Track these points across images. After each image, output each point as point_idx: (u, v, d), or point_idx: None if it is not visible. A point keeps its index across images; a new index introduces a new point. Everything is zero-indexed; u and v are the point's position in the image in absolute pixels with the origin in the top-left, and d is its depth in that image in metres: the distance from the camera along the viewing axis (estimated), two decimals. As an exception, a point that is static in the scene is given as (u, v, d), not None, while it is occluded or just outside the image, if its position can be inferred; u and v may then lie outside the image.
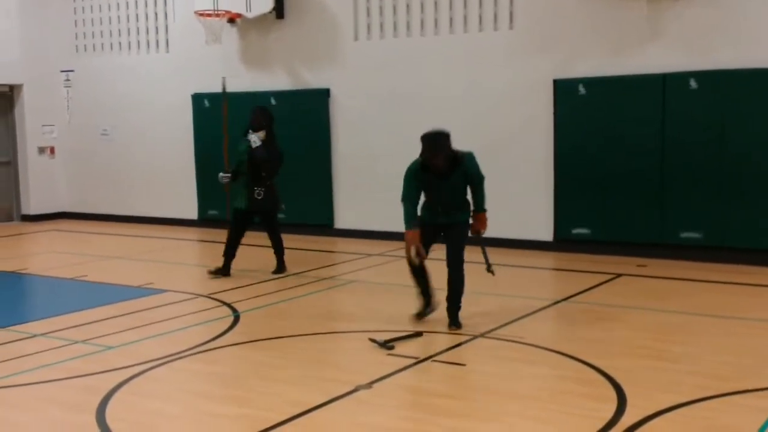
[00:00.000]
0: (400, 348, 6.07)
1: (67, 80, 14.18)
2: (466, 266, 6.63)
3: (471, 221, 6.69)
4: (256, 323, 7.00)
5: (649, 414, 4.65)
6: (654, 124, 9.41)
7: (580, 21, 9.84)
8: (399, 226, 6.62)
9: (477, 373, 5.63)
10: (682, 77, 9.23)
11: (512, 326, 6.67)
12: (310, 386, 5.30)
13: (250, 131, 8.72)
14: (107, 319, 7.18)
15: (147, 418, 4.85)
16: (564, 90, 9.94)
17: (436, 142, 6.38)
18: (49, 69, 14.07)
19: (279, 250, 9.01)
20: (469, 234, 6.68)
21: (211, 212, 12.67)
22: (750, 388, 5.11)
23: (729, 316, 6.97)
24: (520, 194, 10.31)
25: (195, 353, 6.10)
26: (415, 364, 5.72)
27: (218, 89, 11.87)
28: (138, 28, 13.37)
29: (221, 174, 9.14)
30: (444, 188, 6.48)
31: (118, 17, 13.57)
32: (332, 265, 9.96)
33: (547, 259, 9.89)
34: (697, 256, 9.25)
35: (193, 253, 11.26)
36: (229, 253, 8.86)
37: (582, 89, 9.82)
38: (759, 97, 8.89)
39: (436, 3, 10.74)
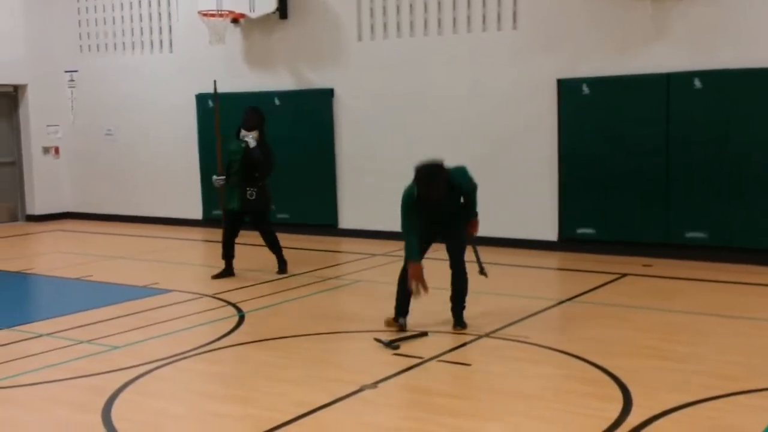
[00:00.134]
0: (405, 348, 6.07)
1: (71, 80, 14.20)
2: (469, 266, 6.63)
3: None
4: (261, 323, 7.00)
5: (654, 414, 4.64)
6: (658, 123, 9.39)
7: (584, 21, 9.83)
8: (403, 226, 6.61)
9: (482, 373, 5.63)
10: (686, 77, 9.21)
11: (517, 326, 6.66)
12: (315, 386, 5.30)
13: (243, 131, 8.66)
14: (112, 319, 7.18)
15: (152, 418, 4.86)
16: (568, 90, 9.93)
17: (432, 179, 6.15)
18: (54, 69, 14.09)
19: (276, 248, 8.95)
20: None
21: (216, 212, 12.58)
22: (757, 388, 5.10)
23: (735, 316, 6.95)
24: (524, 194, 10.30)
25: (200, 353, 6.11)
26: (420, 364, 5.72)
27: (223, 89, 11.89)
28: (142, 29, 13.39)
29: (215, 177, 8.97)
30: (442, 210, 6.43)
31: (122, 17, 13.58)
32: (337, 265, 9.96)
33: (552, 259, 9.88)
34: (703, 255, 9.24)
35: (198, 253, 11.26)
36: (228, 254, 8.85)
37: (586, 89, 9.81)
38: (764, 97, 8.86)
39: (439, 3, 10.73)
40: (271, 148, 8.84)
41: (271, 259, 9.11)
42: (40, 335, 6.71)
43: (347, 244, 11.22)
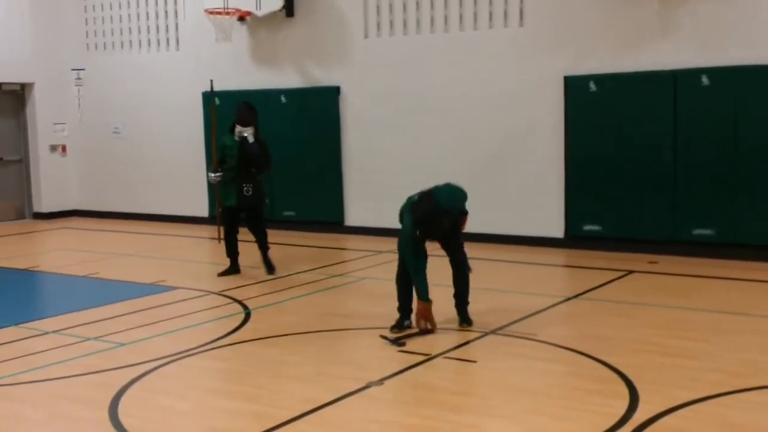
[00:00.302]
0: (411, 345, 6.07)
1: (78, 78, 14.23)
2: (472, 262, 6.62)
3: None
4: (267, 320, 7.01)
5: (661, 411, 4.63)
6: (665, 121, 9.37)
7: (591, 17, 9.81)
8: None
9: (488, 370, 5.62)
10: (693, 74, 9.18)
11: (523, 323, 6.66)
12: (321, 383, 5.30)
13: (238, 127, 8.62)
14: (119, 316, 7.20)
15: (159, 414, 4.87)
16: (575, 87, 9.91)
17: (431, 224, 6.12)
18: (61, 67, 14.12)
19: (263, 246, 8.84)
20: None
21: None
22: (766, 384, 5.09)
23: (743, 312, 6.93)
24: (530, 191, 10.29)
25: (206, 350, 6.12)
26: (426, 360, 5.72)
27: (229, 87, 12.00)
28: (149, 27, 13.41)
29: (212, 174, 8.92)
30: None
31: (129, 15, 13.61)
32: (342, 262, 9.96)
33: (558, 256, 9.86)
34: (709, 253, 9.21)
35: (204, 251, 11.27)
36: (232, 251, 8.85)
37: (593, 86, 9.79)
38: (771, 94, 8.85)
39: (445, 0, 10.72)
40: (266, 144, 8.81)
41: (277, 255, 9.11)
42: (47, 332, 6.73)
43: (353, 241, 11.22)
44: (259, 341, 6.35)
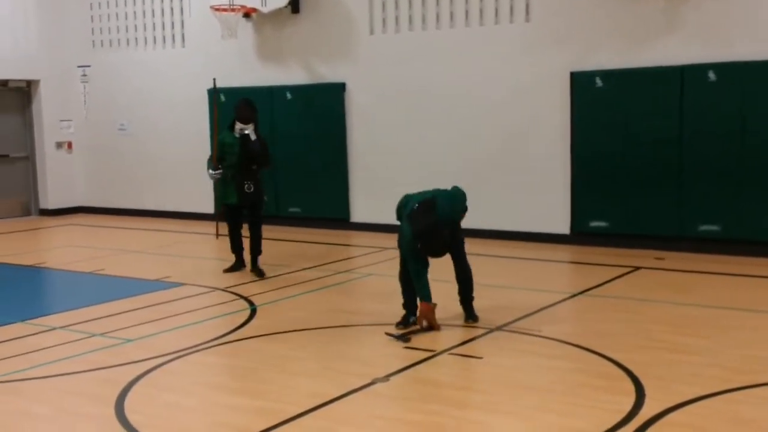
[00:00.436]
0: (417, 341, 6.06)
1: (84, 75, 14.25)
2: (478, 259, 6.59)
3: None
4: (273, 316, 7.01)
5: (668, 407, 4.62)
6: (672, 116, 9.34)
7: (597, 13, 9.78)
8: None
9: (494, 366, 5.61)
10: (700, 69, 9.15)
11: (529, 319, 6.64)
12: (327, 379, 5.30)
13: (239, 124, 8.60)
14: (125, 312, 7.21)
15: (164, 410, 4.87)
16: (581, 82, 9.88)
17: (431, 237, 6.11)
18: (66, 64, 14.14)
19: (256, 250, 8.74)
20: None
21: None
22: (771, 381, 5.08)
23: (749, 309, 6.91)
24: (536, 187, 10.27)
25: (212, 346, 6.12)
26: (432, 357, 5.71)
27: (235, 84, 12.00)
28: (154, 23, 13.41)
29: (212, 171, 8.85)
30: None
31: (135, 12, 13.61)
32: (348, 258, 9.96)
33: (565, 252, 9.84)
34: (716, 249, 9.19)
35: (209, 247, 11.26)
36: (237, 248, 8.85)
37: (599, 82, 9.76)
38: (778, 89, 8.81)
39: (451, -4, 10.71)
40: (266, 141, 8.79)
41: (283, 251, 9.10)
42: (53, 328, 6.75)
43: (358, 237, 11.21)
44: (264, 337, 6.35)
